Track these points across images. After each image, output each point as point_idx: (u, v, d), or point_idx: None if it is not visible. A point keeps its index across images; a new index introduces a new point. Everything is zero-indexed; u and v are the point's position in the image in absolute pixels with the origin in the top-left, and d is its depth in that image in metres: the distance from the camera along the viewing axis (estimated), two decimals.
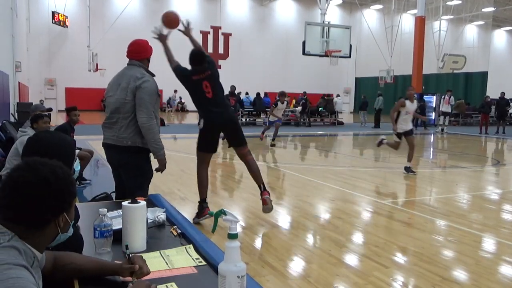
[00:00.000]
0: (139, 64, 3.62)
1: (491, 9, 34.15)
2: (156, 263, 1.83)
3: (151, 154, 3.69)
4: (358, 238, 4.80)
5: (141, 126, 3.47)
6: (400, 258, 4.18)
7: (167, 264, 1.84)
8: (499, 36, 44.09)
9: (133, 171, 3.60)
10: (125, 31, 29.32)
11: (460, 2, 31.40)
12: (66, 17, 28.23)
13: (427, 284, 3.50)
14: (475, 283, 3.58)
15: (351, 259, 4.10)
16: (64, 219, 1.37)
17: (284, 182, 7.69)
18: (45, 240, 1.36)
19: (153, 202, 2.72)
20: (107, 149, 3.69)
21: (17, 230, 1.27)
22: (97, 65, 26.68)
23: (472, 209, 6.34)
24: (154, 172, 3.76)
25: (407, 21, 31.95)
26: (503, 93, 19.65)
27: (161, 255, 1.93)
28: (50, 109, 7.58)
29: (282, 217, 5.64)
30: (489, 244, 4.74)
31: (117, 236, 1.96)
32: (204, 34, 32.58)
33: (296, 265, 3.96)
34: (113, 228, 1.92)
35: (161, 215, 2.37)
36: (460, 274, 3.81)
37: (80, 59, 28.04)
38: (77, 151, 7.45)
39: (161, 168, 3.68)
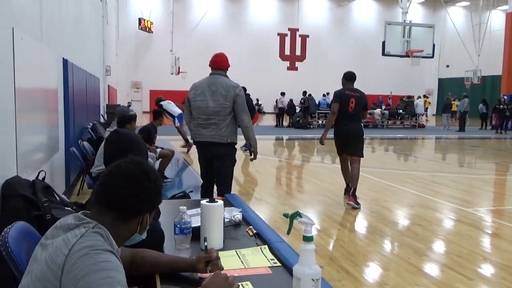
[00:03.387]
0: (224, 74, 4.25)
1: None
2: (232, 261, 1.87)
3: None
4: (439, 247, 4.58)
5: (245, 127, 4.22)
6: (486, 270, 3.92)
7: (242, 263, 1.87)
8: None
9: (230, 161, 4.33)
10: (206, 35, 30.33)
11: None
12: (152, 23, 29.75)
13: None
14: None
15: (432, 269, 3.91)
16: (146, 219, 1.45)
17: (361, 185, 7.51)
18: (124, 234, 1.44)
19: (230, 201, 2.78)
20: (204, 145, 4.28)
21: (105, 219, 1.37)
22: (179, 68, 27.80)
23: None
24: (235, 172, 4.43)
25: (497, 18, 29.94)
26: None
27: (237, 254, 1.97)
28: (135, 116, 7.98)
29: (359, 221, 5.52)
30: None
31: (196, 234, 2.03)
32: (282, 36, 32.80)
33: (373, 272, 3.86)
34: (192, 225, 1.99)
35: (237, 214, 2.41)
36: None
37: (164, 63, 29.39)
38: (158, 149, 7.78)
39: (255, 158, 4.44)
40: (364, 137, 6.14)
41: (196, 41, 29.64)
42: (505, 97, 20.85)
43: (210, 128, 4.19)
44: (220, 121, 4.16)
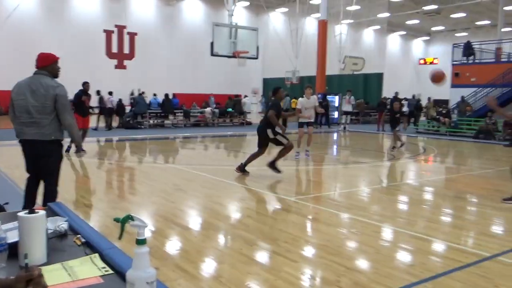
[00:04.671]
0: (46, 74, 4.35)
1: (386, 14, 36.68)
2: (57, 275, 1.73)
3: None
4: (268, 235, 4.91)
5: (68, 126, 4.40)
6: (308, 252, 4.35)
7: (70, 275, 1.75)
8: (393, 39, 47.58)
9: (57, 157, 4.55)
10: (21, 29, 27.37)
11: (359, 7, 33.30)
12: None
13: (333, 275, 3.69)
14: (376, 271, 3.83)
15: (262, 257, 4.19)
16: None
17: (194, 183, 7.65)
18: None
19: (54, 210, 2.57)
20: (30, 144, 4.38)
21: None
22: None
23: (372, 201, 6.79)
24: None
25: (311, 24, 33.24)
26: (396, 93, 21.25)
27: (63, 267, 1.83)
28: None
29: (193, 219, 5.61)
30: (387, 233, 5.11)
31: (14, 251, 1.83)
32: (108, 33, 31.39)
33: (208, 266, 3.96)
34: (8, 241, 1.79)
35: (62, 224, 2.24)
36: (362, 263, 4.07)
37: None
38: None
39: (80, 152, 5.29)
40: (265, 134, 8.51)
41: (9, 35, 26.55)
42: (320, 95, 23.32)
43: (32, 127, 4.31)
44: (42, 120, 4.29)
